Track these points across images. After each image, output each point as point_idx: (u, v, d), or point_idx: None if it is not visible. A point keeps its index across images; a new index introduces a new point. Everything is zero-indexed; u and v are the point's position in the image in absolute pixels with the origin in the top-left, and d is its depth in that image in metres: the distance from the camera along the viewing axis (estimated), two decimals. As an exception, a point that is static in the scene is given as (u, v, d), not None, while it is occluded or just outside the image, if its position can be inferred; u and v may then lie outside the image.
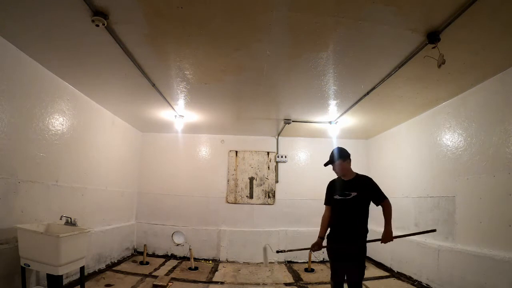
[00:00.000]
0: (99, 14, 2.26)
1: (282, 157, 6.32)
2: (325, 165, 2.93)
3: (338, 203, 2.80)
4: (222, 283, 4.39)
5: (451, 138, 3.88)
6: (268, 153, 6.36)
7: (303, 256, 5.73)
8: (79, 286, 3.33)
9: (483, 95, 3.37)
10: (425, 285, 4.09)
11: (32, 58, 3.07)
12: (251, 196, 6.19)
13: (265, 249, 3.37)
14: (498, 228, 3.05)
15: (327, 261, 5.84)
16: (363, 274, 2.71)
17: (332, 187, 2.96)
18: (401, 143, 5.20)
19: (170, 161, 6.30)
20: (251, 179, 6.25)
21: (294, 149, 6.44)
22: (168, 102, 4.33)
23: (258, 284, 4.43)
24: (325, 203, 3.00)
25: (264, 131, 6.09)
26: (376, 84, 3.50)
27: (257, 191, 6.22)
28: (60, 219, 3.28)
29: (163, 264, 5.33)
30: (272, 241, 5.90)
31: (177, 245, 5.92)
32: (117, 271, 4.62)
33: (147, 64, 3.18)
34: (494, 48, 2.64)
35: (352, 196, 2.71)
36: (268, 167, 6.31)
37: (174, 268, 5.10)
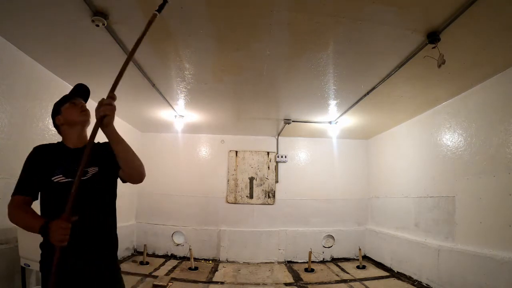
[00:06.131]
0: (99, 14, 2.26)
1: (282, 157, 6.32)
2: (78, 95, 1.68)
3: (62, 189, 1.38)
4: (222, 283, 4.39)
5: (451, 138, 3.88)
6: (268, 153, 6.36)
7: (303, 256, 5.73)
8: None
9: (483, 95, 3.37)
10: (425, 285, 4.09)
11: (32, 58, 3.06)
12: (251, 196, 6.19)
13: None
14: (498, 228, 3.05)
15: (327, 261, 5.84)
16: None
17: (44, 160, 1.49)
18: (401, 143, 5.20)
19: (170, 161, 6.30)
20: (251, 179, 6.25)
21: (294, 149, 6.44)
22: (168, 102, 4.33)
23: (258, 284, 4.43)
24: (20, 192, 1.43)
25: (264, 131, 6.09)
26: (376, 84, 3.50)
27: (257, 191, 6.22)
28: (60, 219, 3.27)
29: (163, 264, 5.33)
30: (272, 241, 5.91)
31: (177, 245, 5.92)
32: (117, 271, 4.62)
33: (147, 64, 3.18)
34: (494, 48, 2.64)
35: (91, 175, 1.46)
36: (268, 167, 6.30)
37: (174, 268, 5.10)
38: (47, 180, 1.42)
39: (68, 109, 1.58)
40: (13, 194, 1.42)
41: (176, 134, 6.19)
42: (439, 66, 2.53)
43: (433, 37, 2.41)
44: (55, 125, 1.63)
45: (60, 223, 1.20)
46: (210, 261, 5.72)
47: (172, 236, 5.95)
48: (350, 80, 3.44)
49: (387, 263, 5.24)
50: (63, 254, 1.23)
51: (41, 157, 1.50)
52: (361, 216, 6.15)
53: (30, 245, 2.65)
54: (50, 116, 1.65)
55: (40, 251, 1.45)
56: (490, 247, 3.11)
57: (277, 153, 6.34)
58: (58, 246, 1.21)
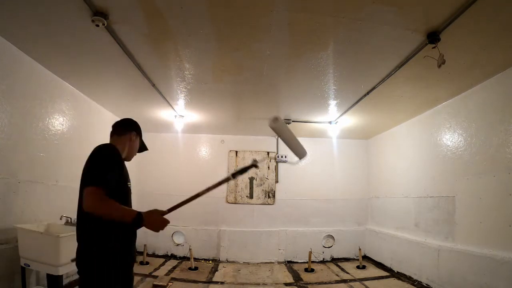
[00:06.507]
0: (99, 14, 2.26)
1: (282, 157, 6.32)
2: None
3: (129, 193, 1.78)
4: (222, 283, 4.39)
5: (451, 138, 3.88)
6: (268, 153, 6.36)
7: (303, 256, 5.73)
8: (78, 286, 3.33)
9: (483, 95, 3.37)
10: (425, 285, 4.09)
11: (32, 58, 3.07)
12: (251, 196, 6.19)
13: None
14: (498, 228, 3.05)
15: (327, 261, 5.84)
16: None
17: (123, 164, 1.73)
18: (401, 143, 5.20)
19: (170, 161, 6.30)
20: (251, 179, 6.25)
21: (294, 149, 6.43)
22: (168, 102, 4.34)
23: (258, 284, 4.43)
24: (106, 184, 1.51)
25: (264, 131, 6.08)
26: (376, 84, 3.50)
27: (257, 191, 6.21)
28: (60, 219, 3.28)
29: (163, 264, 5.33)
30: (272, 241, 5.91)
31: (177, 245, 5.92)
32: (117, 271, 4.62)
33: (147, 64, 3.18)
34: (494, 48, 2.64)
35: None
36: (268, 167, 6.30)
37: (174, 268, 5.10)
38: (125, 183, 1.70)
39: (137, 143, 1.94)
40: (98, 185, 1.47)
41: (176, 134, 6.18)
42: (439, 66, 2.53)
43: (433, 37, 2.41)
44: (125, 134, 1.87)
45: (162, 219, 1.73)
46: (210, 261, 5.72)
47: (172, 236, 5.95)
48: (350, 80, 3.44)
49: (387, 263, 5.24)
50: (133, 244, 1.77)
51: (122, 160, 1.71)
52: (361, 216, 6.16)
53: (30, 245, 2.65)
54: (131, 124, 1.94)
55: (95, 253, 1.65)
56: (490, 247, 3.11)
57: (277, 153, 6.34)
58: (156, 231, 1.73)
